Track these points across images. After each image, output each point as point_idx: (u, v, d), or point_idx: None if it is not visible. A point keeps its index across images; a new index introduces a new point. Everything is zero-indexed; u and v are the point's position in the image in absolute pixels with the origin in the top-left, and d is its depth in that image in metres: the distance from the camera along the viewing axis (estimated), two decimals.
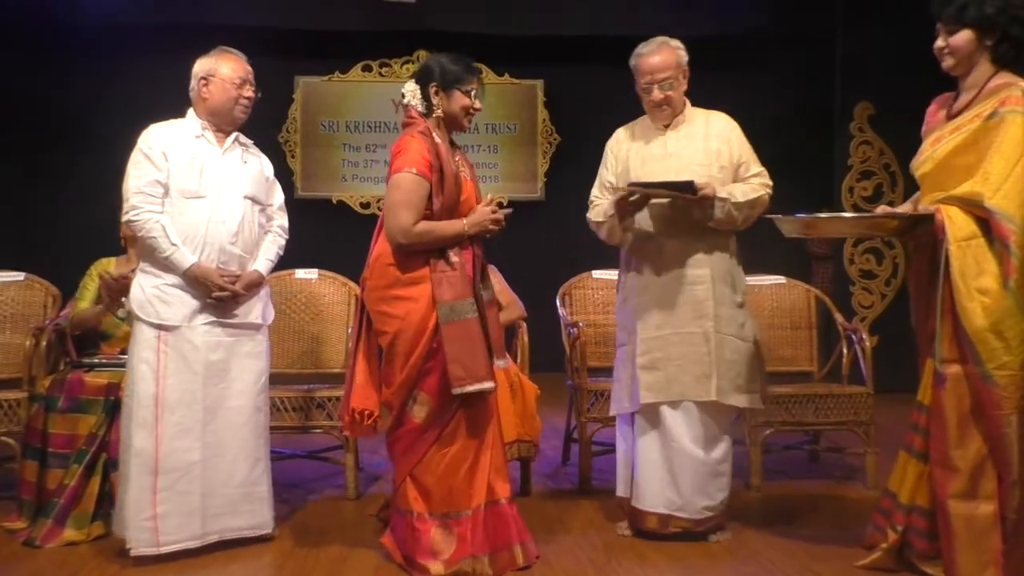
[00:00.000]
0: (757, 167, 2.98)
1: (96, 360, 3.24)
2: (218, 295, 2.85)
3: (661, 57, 2.92)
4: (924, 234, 2.52)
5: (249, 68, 3.00)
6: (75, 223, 6.28)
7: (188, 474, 2.80)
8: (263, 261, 3.03)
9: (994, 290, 2.35)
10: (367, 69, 7.21)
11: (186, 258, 2.82)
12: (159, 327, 2.82)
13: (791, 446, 4.06)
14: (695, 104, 3.06)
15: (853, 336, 3.88)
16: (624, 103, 3.00)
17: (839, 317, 4.04)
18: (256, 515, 2.94)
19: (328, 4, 6.54)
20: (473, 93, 2.79)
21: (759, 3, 6.71)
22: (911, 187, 6.90)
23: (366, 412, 2.75)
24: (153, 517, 2.74)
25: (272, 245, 3.08)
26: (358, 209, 7.17)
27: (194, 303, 2.85)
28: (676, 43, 2.98)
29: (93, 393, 3.06)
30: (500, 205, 2.82)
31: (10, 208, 6.69)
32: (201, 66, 2.98)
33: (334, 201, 7.05)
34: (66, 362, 3.37)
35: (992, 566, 2.38)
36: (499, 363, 2.88)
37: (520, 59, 7.16)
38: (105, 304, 3.27)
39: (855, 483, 3.78)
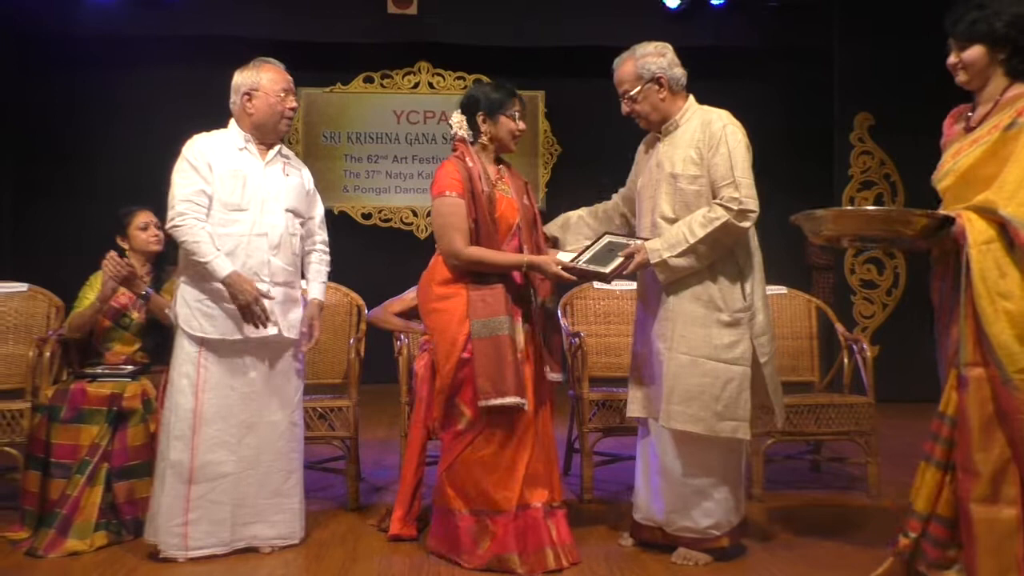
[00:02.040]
0: (727, 179, 2.76)
1: (99, 370, 3.25)
2: (248, 307, 2.82)
3: (620, 70, 2.92)
4: (947, 239, 2.52)
5: (289, 78, 3.02)
6: (77, 234, 6.30)
7: (221, 485, 2.85)
8: (317, 286, 3.11)
9: (1016, 295, 2.37)
10: (369, 80, 7.25)
11: (226, 265, 2.84)
12: (201, 341, 2.86)
13: (792, 456, 4.07)
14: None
15: (854, 346, 3.88)
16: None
17: (840, 327, 4.05)
18: (286, 525, 2.97)
19: (330, 16, 6.59)
20: (517, 116, 2.95)
21: (759, 15, 6.75)
22: (912, 197, 6.96)
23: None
24: (184, 524, 2.80)
25: (321, 267, 3.15)
26: (359, 220, 7.20)
27: (235, 316, 2.87)
28: (644, 51, 2.89)
29: (96, 403, 3.07)
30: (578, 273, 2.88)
31: (12, 219, 6.72)
32: (243, 80, 2.98)
33: (336, 212, 7.08)
34: (69, 372, 3.38)
35: (1014, 571, 2.37)
36: (553, 375, 2.93)
37: (521, 70, 7.20)
38: (102, 298, 3.27)
39: (856, 493, 3.77)
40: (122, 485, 3.03)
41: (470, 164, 2.89)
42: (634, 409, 3.00)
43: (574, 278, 2.89)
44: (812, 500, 3.69)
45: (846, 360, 3.89)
